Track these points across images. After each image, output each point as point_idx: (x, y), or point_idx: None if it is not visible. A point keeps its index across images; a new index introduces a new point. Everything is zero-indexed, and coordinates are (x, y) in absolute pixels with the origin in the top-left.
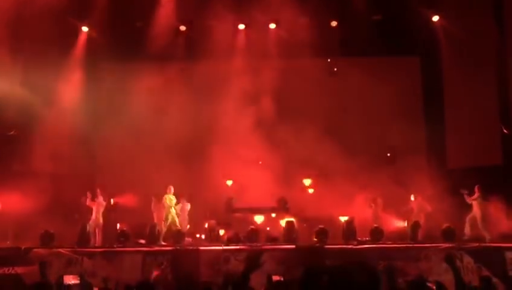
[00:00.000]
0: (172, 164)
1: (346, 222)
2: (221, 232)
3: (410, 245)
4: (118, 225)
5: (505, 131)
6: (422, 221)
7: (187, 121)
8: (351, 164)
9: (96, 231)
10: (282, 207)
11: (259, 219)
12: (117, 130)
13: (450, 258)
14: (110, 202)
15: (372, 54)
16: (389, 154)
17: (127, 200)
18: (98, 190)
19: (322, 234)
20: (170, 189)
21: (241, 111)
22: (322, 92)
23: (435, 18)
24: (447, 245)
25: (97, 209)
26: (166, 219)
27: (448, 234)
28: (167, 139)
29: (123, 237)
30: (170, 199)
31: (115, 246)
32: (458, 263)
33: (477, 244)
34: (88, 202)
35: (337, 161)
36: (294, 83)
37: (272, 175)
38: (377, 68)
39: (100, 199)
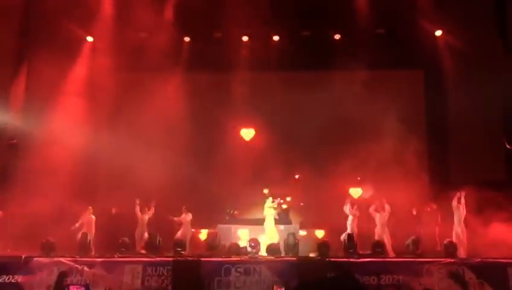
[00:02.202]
0: (175, 174)
1: (347, 234)
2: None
3: (412, 259)
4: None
5: (508, 146)
6: (423, 235)
7: (188, 132)
8: (351, 176)
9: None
10: (284, 218)
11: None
12: (119, 140)
13: (456, 275)
14: (111, 212)
15: (375, 67)
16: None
17: (128, 209)
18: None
19: (324, 246)
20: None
21: (239, 122)
22: (324, 104)
23: (438, 32)
24: (449, 260)
25: (88, 222)
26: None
27: (450, 249)
28: (167, 149)
29: (124, 247)
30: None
31: (116, 255)
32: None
33: (480, 259)
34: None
35: (337, 173)
36: (294, 94)
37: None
38: (380, 81)
39: (90, 214)
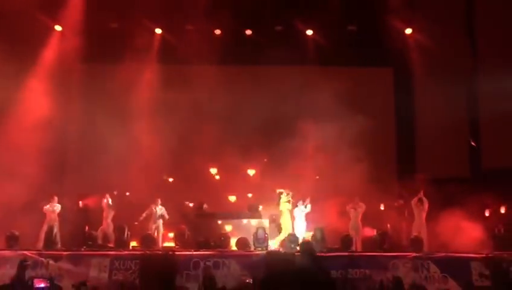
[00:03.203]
0: (144, 167)
1: (317, 229)
2: None
3: (379, 254)
4: (87, 228)
5: (472, 144)
6: (390, 230)
7: (160, 124)
8: (323, 171)
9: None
10: (254, 213)
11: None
12: (88, 132)
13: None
14: (78, 205)
15: (346, 63)
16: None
17: (96, 202)
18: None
19: (293, 240)
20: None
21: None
22: (295, 100)
23: (408, 30)
24: (414, 254)
25: (52, 214)
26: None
27: (416, 244)
28: (139, 142)
29: (91, 240)
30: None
31: (82, 249)
32: (425, 272)
33: (444, 254)
34: (44, 208)
35: (309, 168)
36: (265, 91)
37: (244, 181)
38: (351, 78)
39: (54, 206)
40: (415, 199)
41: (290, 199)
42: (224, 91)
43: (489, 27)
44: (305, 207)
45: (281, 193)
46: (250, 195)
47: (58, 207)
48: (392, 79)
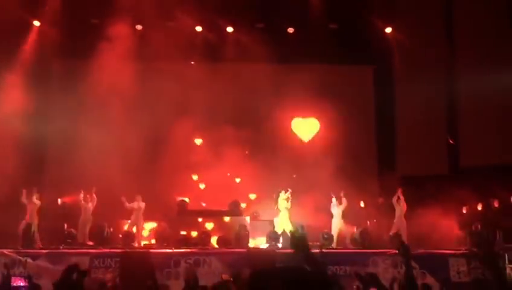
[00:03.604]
0: (124, 164)
1: (298, 225)
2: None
3: (359, 251)
4: (66, 226)
5: (450, 141)
6: (370, 227)
7: (139, 122)
8: (303, 170)
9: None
10: (235, 210)
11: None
12: (67, 128)
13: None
14: (57, 202)
15: (327, 61)
16: None
17: (75, 200)
18: (35, 189)
19: (274, 237)
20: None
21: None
22: (275, 97)
23: (388, 29)
24: (393, 251)
25: (32, 208)
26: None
27: (395, 241)
28: (118, 138)
29: (70, 238)
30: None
31: (61, 247)
32: (404, 268)
33: (423, 251)
34: (23, 199)
35: (289, 166)
36: (245, 88)
37: (223, 179)
38: (331, 76)
39: (34, 198)
40: (395, 197)
41: (289, 196)
42: (205, 88)
43: (467, 27)
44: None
45: (279, 192)
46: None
47: (38, 202)
48: (372, 77)
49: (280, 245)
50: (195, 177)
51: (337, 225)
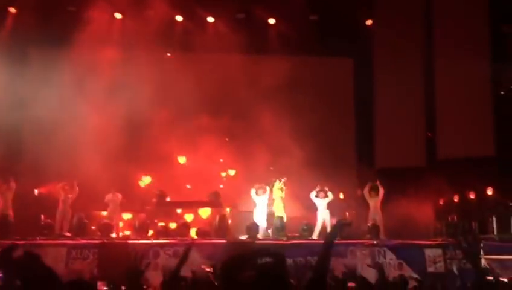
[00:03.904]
0: (101, 154)
1: (277, 217)
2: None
3: (337, 241)
4: (43, 217)
5: (428, 134)
6: (349, 218)
7: (117, 111)
8: (280, 161)
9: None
10: (215, 201)
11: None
12: (45, 118)
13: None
14: (34, 192)
15: (307, 53)
16: None
17: (52, 190)
18: (11, 178)
19: (254, 229)
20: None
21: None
22: (254, 88)
23: (369, 22)
24: (371, 242)
25: (7, 198)
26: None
27: (373, 232)
28: (95, 128)
29: (47, 230)
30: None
31: (38, 238)
32: (381, 259)
33: (400, 241)
34: None
35: (266, 157)
36: (224, 78)
37: (204, 169)
38: (311, 67)
39: (10, 187)
40: (366, 188)
41: (283, 186)
42: (184, 77)
43: (446, 21)
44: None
45: (273, 181)
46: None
47: (12, 190)
48: (351, 70)
49: (260, 236)
50: (176, 164)
51: (321, 216)
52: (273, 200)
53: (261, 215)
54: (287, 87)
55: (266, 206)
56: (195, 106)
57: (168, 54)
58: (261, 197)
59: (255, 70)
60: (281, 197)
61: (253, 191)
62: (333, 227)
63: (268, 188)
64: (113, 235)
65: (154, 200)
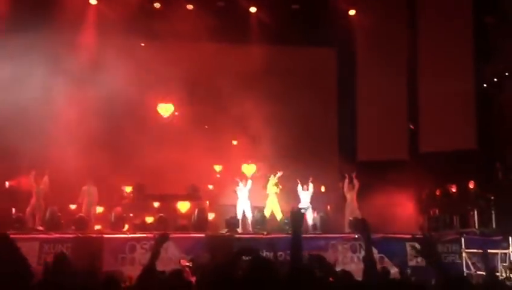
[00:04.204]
0: (77, 144)
1: (258, 210)
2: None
3: (318, 235)
4: (14, 210)
5: (411, 127)
6: (330, 212)
7: (91, 99)
8: (261, 152)
9: None
10: (193, 194)
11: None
12: (14, 105)
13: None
14: (4, 185)
15: (289, 43)
16: None
17: (24, 183)
18: None
19: (233, 222)
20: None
21: (145, 93)
22: (234, 78)
23: (352, 12)
24: (352, 236)
25: None
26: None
27: (354, 225)
28: (68, 118)
29: (18, 223)
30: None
31: (9, 232)
32: (362, 252)
33: (382, 235)
34: None
35: (247, 149)
36: (204, 67)
37: (182, 161)
38: (293, 58)
39: None
40: (346, 181)
41: (276, 181)
42: (160, 65)
43: (430, 12)
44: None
45: (269, 176)
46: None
47: None
48: (335, 60)
49: (239, 230)
50: (154, 155)
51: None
52: (267, 195)
53: (243, 208)
54: (269, 77)
55: (247, 199)
56: (175, 94)
57: (142, 44)
58: (243, 190)
59: (235, 60)
60: (276, 193)
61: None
62: (290, 215)
63: (250, 181)
64: (88, 229)
65: (131, 193)
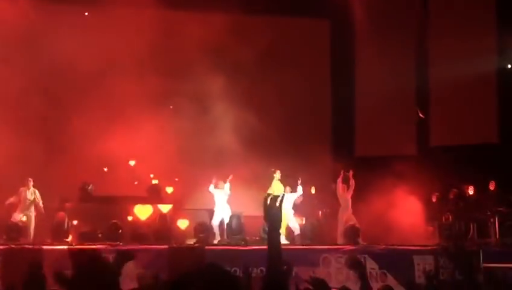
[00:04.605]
0: (10, 140)
1: (233, 217)
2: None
3: (307, 247)
4: None
5: (420, 115)
6: (322, 218)
7: (28, 75)
8: (243, 146)
9: None
10: (154, 196)
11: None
12: None
13: (356, 264)
14: None
15: (277, 12)
16: None
17: None
18: None
19: (203, 231)
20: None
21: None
22: (216, 51)
23: None
24: (349, 247)
25: None
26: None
27: (351, 234)
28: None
29: None
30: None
31: None
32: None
33: (384, 246)
34: None
35: (221, 137)
36: (181, 39)
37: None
38: (281, 30)
39: None
40: (339, 179)
41: (279, 178)
42: (135, 36)
43: None
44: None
45: (273, 172)
46: None
47: None
48: (328, 34)
49: (216, 241)
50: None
51: (287, 216)
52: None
53: (220, 215)
54: (243, 51)
55: (226, 204)
56: (127, 69)
57: (86, 14)
58: (220, 192)
59: (218, 32)
60: (283, 193)
61: (211, 187)
62: (264, 205)
63: (229, 182)
64: (24, 239)
65: (77, 195)
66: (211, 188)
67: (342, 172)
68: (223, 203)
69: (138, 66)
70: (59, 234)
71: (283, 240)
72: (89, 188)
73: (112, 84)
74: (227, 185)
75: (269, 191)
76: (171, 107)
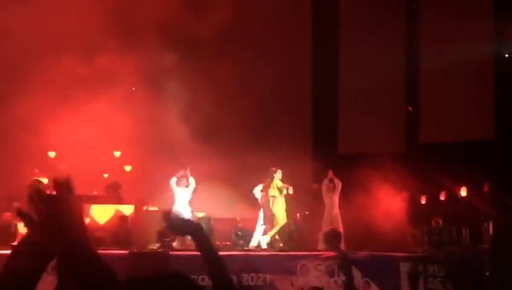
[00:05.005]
0: None
1: (202, 219)
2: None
3: (283, 253)
4: None
5: (409, 108)
6: (299, 221)
7: None
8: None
9: None
10: (113, 195)
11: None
12: None
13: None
14: None
15: None
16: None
17: None
18: None
19: (168, 235)
20: None
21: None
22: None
23: None
24: (329, 254)
25: None
26: None
27: (331, 239)
28: None
29: None
30: None
31: None
32: (342, 276)
33: (368, 253)
34: None
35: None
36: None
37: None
38: (253, 10)
39: None
40: (326, 181)
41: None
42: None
43: None
44: None
45: (274, 171)
46: None
47: None
48: (309, 14)
49: (175, 244)
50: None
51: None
52: (273, 198)
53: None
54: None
55: (188, 204)
56: (86, 43)
57: None
58: (182, 190)
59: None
60: (284, 195)
61: (173, 180)
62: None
63: (193, 180)
64: None
65: (25, 194)
66: (173, 181)
67: (330, 172)
68: (184, 203)
69: (87, 44)
70: (5, 237)
71: (264, 245)
72: (40, 185)
73: (56, 63)
74: (192, 182)
75: (270, 191)
76: (133, 88)
